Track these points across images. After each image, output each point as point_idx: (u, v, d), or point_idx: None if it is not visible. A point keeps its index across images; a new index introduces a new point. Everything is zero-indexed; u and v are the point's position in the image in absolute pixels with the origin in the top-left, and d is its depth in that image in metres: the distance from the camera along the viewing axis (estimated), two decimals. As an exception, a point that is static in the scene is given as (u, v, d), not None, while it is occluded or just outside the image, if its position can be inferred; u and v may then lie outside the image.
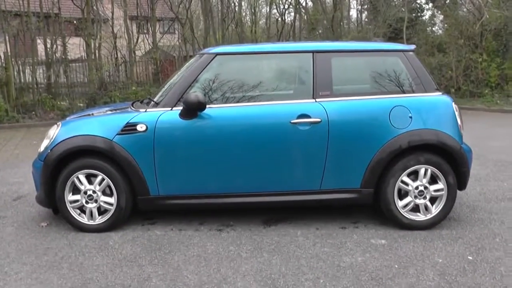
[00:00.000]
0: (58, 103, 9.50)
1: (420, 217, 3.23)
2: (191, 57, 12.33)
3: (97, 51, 10.34)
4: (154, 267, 2.76)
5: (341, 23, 13.02)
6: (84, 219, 3.30)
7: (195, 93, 3.03)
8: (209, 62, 3.26)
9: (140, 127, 3.17)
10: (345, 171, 3.21)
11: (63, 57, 10.00)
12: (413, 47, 3.39)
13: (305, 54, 3.27)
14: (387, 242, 3.07)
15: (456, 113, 3.25)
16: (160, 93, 3.55)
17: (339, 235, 3.20)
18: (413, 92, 3.26)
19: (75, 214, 3.30)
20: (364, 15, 17.24)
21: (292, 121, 3.13)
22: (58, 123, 3.43)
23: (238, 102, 3.25)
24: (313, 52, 3.26)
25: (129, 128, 3.18)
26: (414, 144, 3.13)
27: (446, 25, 13.25)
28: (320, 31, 13.79)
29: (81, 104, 9.47)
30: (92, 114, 3.65)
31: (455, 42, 11.74)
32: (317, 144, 3.15)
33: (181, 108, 3.16)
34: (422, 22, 14.70)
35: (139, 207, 3.31)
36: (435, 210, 3.22)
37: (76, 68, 10.54)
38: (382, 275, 2.62)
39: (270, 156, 3.17)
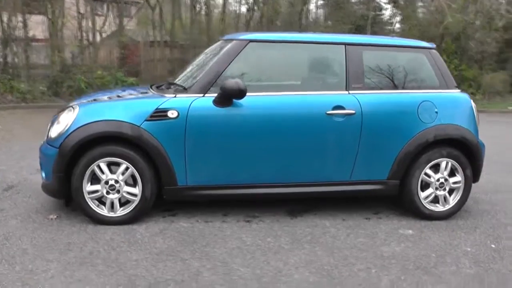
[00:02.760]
0: (17, 85, 8.65)
1: (439, 207, 3.39)
2: (158, 42, 11.95)
3: (60, 32, 9.53)
4: (199, 260, 2.64)
5: (303, 17, 13.15)
6: (103, 211, 3.07)
7: (236, 80, 2.92)
8: (242, 49, 3.16)
9: (171, 114, 2.99)
10: (375, 163, 3.27)
11: (23, 35, 9.11)
12: (434, 45, 3.52)
13: (337, 46, 3.27)
14: (414, 232, 3.18)
15: (474, 110, 3.44)
16: (181, 79, 3.38)
17: (367, 225, 3.26)
18: (437, 88, 3.39)
19: (93, 205, 3.06)
20: (322, 11, 17.51)
21: (327, 112, 3.13)
22: (72, 106, 3.13)
23: (272, 91, 3.18)
24: (345, 44, 3.27)
25: (159, 114, 3.00)
26: (439, 138, 3.27)
27: (406, 25, 13.93)
28: (279, 24, 13.85)
29: (43, 88, 8.72)
30: (109, 97, 3.38)
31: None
32: (350, 135, 3.18)
33: (215, 94, 3.04)
34: (381, 21, 15.32)
35: (164, 197, 3.14)
36: (452, 201, 3.39)
37: (37, 48, 9.67)
38: (425, 264, 2.71)
39: (304, 146, 3.15)
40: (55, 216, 3.23)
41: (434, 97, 3.32)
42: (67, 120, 3.04)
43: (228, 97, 2.97)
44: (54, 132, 3.09)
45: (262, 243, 2.91)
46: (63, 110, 3.21)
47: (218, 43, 3.49)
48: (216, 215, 3.34)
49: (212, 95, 3.05)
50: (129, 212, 3.08)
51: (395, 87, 3.34)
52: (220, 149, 3.08)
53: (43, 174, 3.19)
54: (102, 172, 3.02)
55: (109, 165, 3.02)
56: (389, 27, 15.53)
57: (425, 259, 2.77)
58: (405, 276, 2.56)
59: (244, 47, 3.16)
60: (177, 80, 3.46)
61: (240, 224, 3.20)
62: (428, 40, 3.90)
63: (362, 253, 2.82)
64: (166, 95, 3.12)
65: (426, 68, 3.41)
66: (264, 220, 3.28)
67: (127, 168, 3.02)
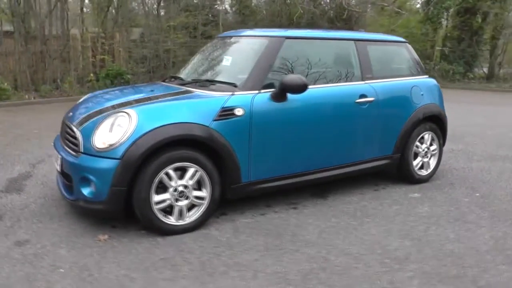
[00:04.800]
0: None
1: (424, 172, 4.14)
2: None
3: None
4: (307, 248, 2.76)
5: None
6: (170, 220, 2.87)
7: (298, 76, 3.05)
8: (281, 45, 3.28)
9: (238, 111, 2.97)
10: (385, 141, 3.81)
11: None
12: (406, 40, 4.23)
13: (349, 42, 3.67)
14: (420, 195, 3.86)
15: (440, 91, 4.29)
16: (192, 75, 3.58)
17: (383, 195, 3.78)
18: (417, 75, 4.11)
19: (161, 216, 2.83)
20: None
21: (356, 101, 3.52)
22: (126, 111, 2.78)
23: (312, 84, 3.39)
24: (354, 40, 3.70)
25: (226, 112, 2.94)
26: (426, 116, 4.00)
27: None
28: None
29: None
30: (150, 98, 3.07)
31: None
32: (372, 119, 3.64)
33: (271, 90, 3.12)
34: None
35: (228, 196, 3.09)
36: (432, 166, 4.19)
37: None
38: (455, 217, 3.37)
39: (343, 132, 3.50)
40: (106, 236, 2.85)
41: (419, 83, 4.03)
42: (125, 127, 2.72)
43: (289, 91, 3.09)
44: (106, 141, 2.72)
45: (333, 223, 3.17)
46: (105, 117, 2.82)
47: (250, 39, 3.64)
48: (260, 207, 3.42)
49: (267, 91, 3.12)
50: (198, 217, 2.95)
51: (392, 75, 3.92)
52: (279, 142, 3.18)
53: (87, 192, 2.77)
54: (170, 179, 2.81)
55: (175, 170, 2.83)
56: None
57: (451, 214, 3.39)
58: (454, 229, 3.17)
59: (282, 43, 3.30)
60: (185, 76, 3.51)
61: (292, 211, 3.37)
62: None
63: (409, 217, 3.33)
64: (222, 93, 3.05)
65: (407, 59, 4.10)
66: (306, 205, 3.50)
67: (194, 172, 2.88)
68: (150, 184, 2.74)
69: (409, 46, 4.16)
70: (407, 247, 2.83)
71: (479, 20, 13.05)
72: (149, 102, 2.97)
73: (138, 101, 3.03)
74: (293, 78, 3.04)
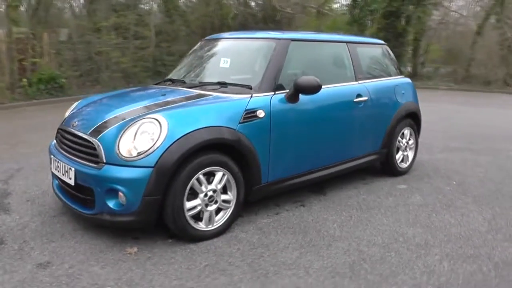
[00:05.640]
0: None
1: (404, 165, 4.47)
2: None
3: None
4: (340, 241, 2.89)
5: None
6: (200, 226, 2.82)
7: (312, 77, 3.14)
8: (288, 48, 3.36)
9: (260, 113, 3.00)
10: (376, 137, 4.05)
11: None
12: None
13: (342, 44, 3.85)
14: (406, 186, 4.15)
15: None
16: (187, 77, 3.63)
17: (374, 188, 4.01)
18: (396, 75, 4.41)
19: (192, 223, 2.78)
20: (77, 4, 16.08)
21: (354, 100, 3.71)
22: (154, 117, 2.67)
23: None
24: (346, 42, 3.89)
25: (250, 115, 2.96)
26: (408, 113, 4.32)
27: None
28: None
29: None
30: (169, 102, 2.96)
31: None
32: (366, 117, 3.85)
33: (285, 91, 3.19)
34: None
35: (249, 198, 3.11)
36: (410, 158, 4.53)
37: None
38: (446, 203, 3.68)
39: (344, 131, 3.67)
40: (135, 249, 2.73)
41: (400, 82, 4.34)
42: (155, 133, 2.62)
43: (304, 92, 3.17)
44: (134, 149, 2.61)
45: (345, 217, 3.32)
46: (128, 124, 2.69)
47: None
48: (272, 207, 3.48)
49: (282, 92, 3.19)
50: (226, 221, 2.94)
51: (376, 76, 4.17)
52: (293, 142, 3.26)
53: (113, 204, 2.64)
54: (200, 184, 2.77)
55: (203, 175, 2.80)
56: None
57: (443, 201, 3.72)
58: (451, 213, 3.48)
59: (289, 46, 3.38)
60: (187, 80, 3.60)
61: (303, 209, 3.47)
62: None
63: (409, 207, 3.59)
64: (241, 95, 3.05)
65: (388, 59, 4.39)
66: (312, 202, 3.62)
67: (222, 176, 2.87)
68: (183, 191, 2.68)
69: (388, 48, 4.46)
70: (422, 234, 3.07)
71: (403, 23, 14.15)
72: (172, 106, 2.88)
73: (157, 106, 2.93)
74: (308, 79, 3.13)
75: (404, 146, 4.41)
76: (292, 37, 3.47)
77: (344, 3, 18.77)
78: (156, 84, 3.86)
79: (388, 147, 4.21)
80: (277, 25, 14.51)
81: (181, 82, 3.60)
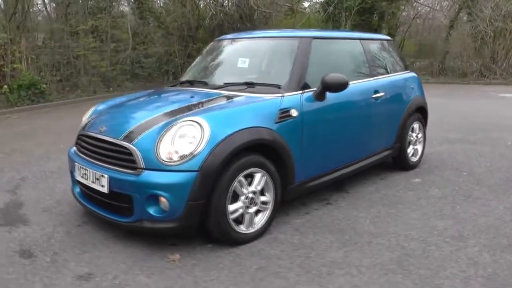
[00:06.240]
0: None
1: (414, 159, 4.54)
2: None
3: None
4: (379, 238, 2.90)
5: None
6: (241, 229, 2.78)
7: (339, 75, 3.13)
8: (310, 46, 3.35)
9: (293, 112, 2.98)
10: (390, 132, 4.10)
11: None
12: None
13: (357, 41, 3.88)
14: (421, 179, 4.22)
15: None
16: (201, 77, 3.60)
17: (391, 183, 4.05)
18: (405, 70, 4.48)
19: (234, 226, 2.73)
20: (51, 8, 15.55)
21: (372, 96, 3.74)
22: (194, 120, 2.61)
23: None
24: (359, 39, 3.92)
25: (284, 114, 2.93)
26: (418, 107, 4.39)
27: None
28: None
29: None
30: (203, 104, 2.89)
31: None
32: (383, 113, 3.90)
33: (313, 89, 3.17)
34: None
35: (283, 198, 3.08)
36: (420, 152, 4.61)
37: None
38: (464, 195, 3.76)
39: (365, 127, 3.70)
40: (177, 256, 2.66)
41: (408, 77, 4.41)
42: (197, 136, 2.56)
43: (331, 90, 3.17)
44: (175, 153, 2.54)
45: (374, 213, 3.34)
46: (166, 128, 2.62)
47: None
48: (299, 206, 3.46)
49: (310, 90, 3.17)
50: (266, 222, 2.90)
51: (388, 71, 4.22)
52: (322, 141, 3.26)
53: (154, 211, 2.56)
54: (241, 186, 2.73)
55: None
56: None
57: (461, 192, 3.81)
58: (472, 204, 3.56)
59: (310, 44, 3.37)
60: (208, 81, 3.57)
61: (330, 207, 3.47)
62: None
63: (430, 200, 3.65)
64: (273, 95, 3.02)
65: (395, 55, 4.45)
66: (337, 200, 3.62)
67: (261, 177, 2.83)
68: (226, 194, 2.63)
69: (393, 43, 4.52)
70: (453, 226, 3.12)
71: (377, 18, 14.41)
72: (209, 108, 2.83)
73: (191, 108, 2.86)
74: (336, 76, 3.13)
75: (414, 140, 4.48)
76: (314, 35, 3.46)
77: (317, 0, 19.00)
78: (172, 86, 3.77)
79: (401, 141, 4.27)
80: (254, 25, 14.50)
81: (202, 84, 3.53)
